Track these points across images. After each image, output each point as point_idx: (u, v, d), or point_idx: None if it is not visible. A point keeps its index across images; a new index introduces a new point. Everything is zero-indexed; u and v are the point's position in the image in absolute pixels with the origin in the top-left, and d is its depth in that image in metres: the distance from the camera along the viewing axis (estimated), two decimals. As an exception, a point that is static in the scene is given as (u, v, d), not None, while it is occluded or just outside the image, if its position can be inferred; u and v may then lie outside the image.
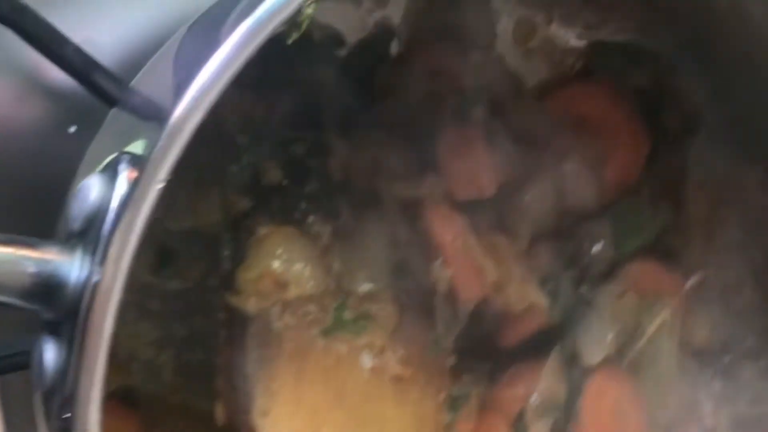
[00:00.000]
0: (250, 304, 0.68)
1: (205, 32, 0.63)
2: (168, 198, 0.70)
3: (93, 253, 0.49)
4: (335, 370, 0.71)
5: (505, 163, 0.75)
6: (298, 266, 0.68)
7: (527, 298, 0.75)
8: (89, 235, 0.50)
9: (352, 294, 0.72)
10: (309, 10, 0.48)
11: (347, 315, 0.71)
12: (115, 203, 0.49)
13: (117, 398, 0.72)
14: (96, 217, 0.50)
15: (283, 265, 0.68)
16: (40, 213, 0.64)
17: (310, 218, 0.70)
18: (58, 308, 0.49)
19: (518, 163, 0.76)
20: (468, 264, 0.72)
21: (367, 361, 0.72)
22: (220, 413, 0.69)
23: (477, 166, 0.73)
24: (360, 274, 0.72)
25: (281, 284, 0.68)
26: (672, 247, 0.82)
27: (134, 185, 0.48)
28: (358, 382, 0.72)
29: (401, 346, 0.74)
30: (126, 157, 0.51)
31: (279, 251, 0.68)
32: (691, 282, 0.81)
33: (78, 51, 0.66)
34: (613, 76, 0.79)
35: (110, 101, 0.66)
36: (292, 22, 0.49)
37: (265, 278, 0.67)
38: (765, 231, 0.80)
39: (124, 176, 0.50)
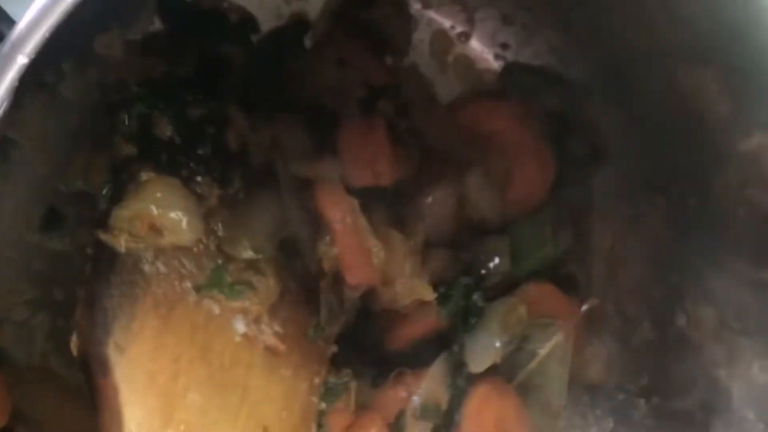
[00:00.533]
0: (120, 242, 0.66)
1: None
2: (62, 159, 0.71)
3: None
4: (204, 327, 0.69)
5: (406, 160, 0.74)
6: (175, 215, 0.67)
7: (415, 294, 0.74)
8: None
9: (233, 260, 0.70)
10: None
11: (226, 278, 0.70)
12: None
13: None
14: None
15: (161, 210, 0.66)
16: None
17: (198, 178, 0.69)
18: None
19: (421, 165, 0.76)
20: (356, 244, 0.71)
21: (240, 326, 0.70)
22: (74, 345, 0.67)
23: (376, 153, 0.72)
24: (244, 242, 0.70)
25: (156, 229, 0.66)
26: (572, 273, 0.82)
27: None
28: (228, 344, 0.70)
29: (280, 321, 0.72)
30: None
31: (158, 195, 0.66)
32: (586, 307, 0.80)
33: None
34: (526, 97, 0.80)
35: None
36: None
37: (140, 219, 0.66)
38: (666, 268, 0.80)
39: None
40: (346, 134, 0.73)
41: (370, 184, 0.73)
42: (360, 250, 0.71)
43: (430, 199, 0.77)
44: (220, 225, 0.70)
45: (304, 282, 0.73)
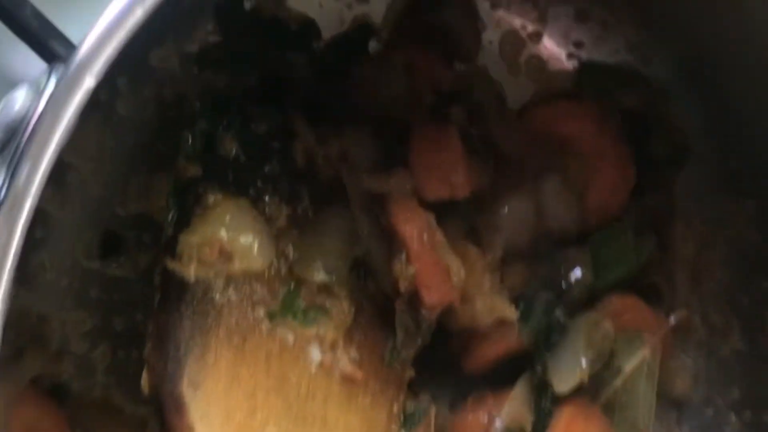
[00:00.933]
0: (190, 270, 0.62)
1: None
2: (120, 180, 0.67)
3: (11, 161, 0.44)
4: (279, 357, 0.66)
5: (481, 170, 0.70)
6: (246, 239, 0.63)
7: (495, 312, 0.70)
8: (8, 147, 0.45)
9: (305, 283, 0.67)
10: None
11: (299, 303, 0.66)
12: (41, 106, 0.44)
13: (43, 390, 0.66)
14: (20, 126, 0.45)
15: (231, 234, 0.63)
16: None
17: (267, 198, 0.65)
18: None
19: (495, 174, 0.72)
20: (434, 261, 0.67)
21: (316, 354, 0.67)
22: (145, 382, 0.63)
23: (451, 164, 0.68)
24: (316, 263, 0.67)
25: (226, 255, 0.63)
26: (656, 283, 0.77)
27: (60, 82, 0.43)
28: (304, 375, 0.66)
29: (355, 346, 0.68)
30: (56, 65, 0.47)
31: (227, 218, 0.63)
32: (674, 320, 0.76)
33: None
34: (602, 98, 0.75)
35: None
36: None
37: (209, 245, 0.62)
38: (755, 274, 0.75)
39: (53, 81, 0.45)
40: (417, 144, 0.69)
41: (446, 197, 0.69)
42: (438, 268, 0.67)
43: (506, 210, 0.72)
44: (290, 247, 0.67)
45: (378, 303, 0.70)
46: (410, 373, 0.71)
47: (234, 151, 0.65)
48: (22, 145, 0.45)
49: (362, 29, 0.73)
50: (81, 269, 0.67)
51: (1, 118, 0.46)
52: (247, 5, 0.67)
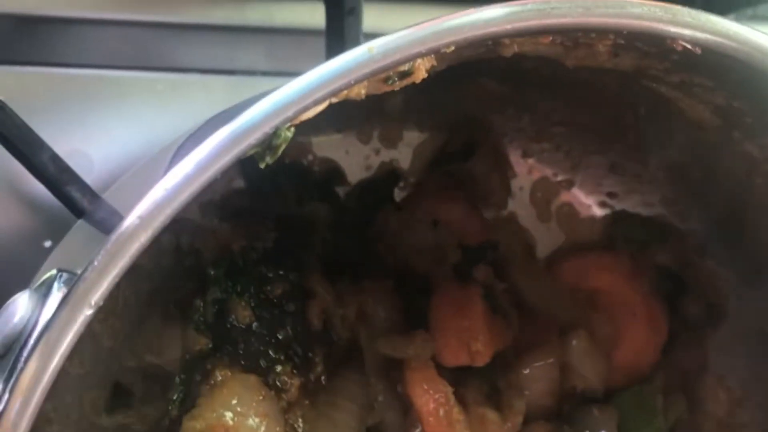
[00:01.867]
0: None
1: (186, 150, 0.58)
2: (132, 330, 0.65)
3: (6, 381, 0.42)
4: None
5: (503, 330, 0.68)
6: (253, 421, 0.60)
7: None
8: (6, 360, 0.43)
9: None
10: (288, 133, 0.42)
11: None
12: (39, 326, 0.42)
13: None
14: (17, 339, 0.43)
15: (237, 419, 0.60)
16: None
17: (278, 368, 0.63)
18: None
19: (519, 332, 0.69)
20: None
21: None
22: None
23: (472, 331, 0.66)
24: None
25: None
26: (683, 444, 0.74)
27: (59, 308, 0.41)
28: None
29: None
30: (63, 275, 0.45)
31: (234, 401, 0.60)
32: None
33: (55, 159, 0.63)
34: (635, 251, 0.73)
35: (78, 211, 0.62)
36: (267, 145, 0.43)
37: (213, 430, 0.59)
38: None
39: (56, 297, 0.44)
40: (438, 307, 0.67)
41: (465, 364, 0.66)
42: None
43: (528, 371, 0.70)
44: (299, 421, 0.64)
45: None
46: None
47: (248, 320, 0.62)
48: (21, 361, 0.43)
49: (389, 175, 0.71)
50: (88, 422, 0.65)
51: (3, 326, 0.44)
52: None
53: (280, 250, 0.64)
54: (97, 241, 0.54)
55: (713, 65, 0.48)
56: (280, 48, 0.77)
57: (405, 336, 0.65)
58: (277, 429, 0.61)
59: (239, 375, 0.61)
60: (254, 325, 0.63)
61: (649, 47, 0.48)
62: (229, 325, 0.63)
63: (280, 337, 0.63)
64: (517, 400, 0.69)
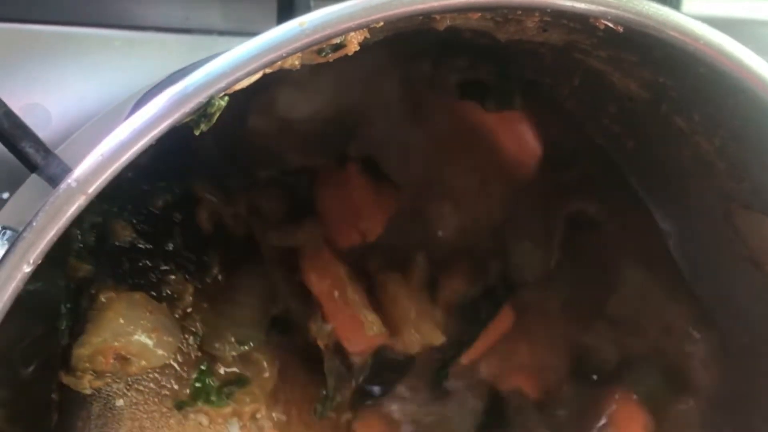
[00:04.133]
0: (85, 384, 0.59)
1: (130, 111, 0.59)
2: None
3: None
4: None
5: (391, 196, 0.69)
6: (142, 338, 0.60)
7: (423, 339, 0.69)
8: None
9: (218, 358, 0.65)
10: (221, 102, 0.44)
11: (211, 384, 0.65)
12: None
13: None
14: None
15: (124, 339, 0.59)
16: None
17: (171, 278, 0.63)
18: None
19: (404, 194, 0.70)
20: (349, 316, 0.66)
21: (235, 430, 0.65)
22: None
23: (356, 209, 0.67)
24: (228, 337, 0.65)
25: (123, 359, 0.60)
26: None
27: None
28: None
29: (281, 407, 0.67)
30: (6, 232, 0.47)
31: (121, 322, 0.59)
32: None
33: (8, 114, 0.64)
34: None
35: (31, 166, 0.63)
36: (202, 113, 0.45)
37: (102, 354, 0.59)
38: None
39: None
40: (322, 192, 0.68)
41: (358, 243, 0.68)
42: (355, 324, 0.66)
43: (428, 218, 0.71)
44: (198, 324, 0.64)
45: (304, 354, 0.68)
46: (347, 416, 0.70)
47: (130, 237, 0.62)
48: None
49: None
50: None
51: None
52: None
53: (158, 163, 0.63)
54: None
55: (637, 43, 0.50)
56: (236, 9, 0.78)
57: (294, 225, 0.66)
58: (170, 339, 0.61)
59: (124, 295, 0.61)
60: (139, 241, 0.63)
61: (574, 24, 0.50)
62: (110, 247, 0.62)
63: (170, 248, 0.63)
64: (417, 255, 0.70)
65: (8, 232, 0.47)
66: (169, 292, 0.63)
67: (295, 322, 0.68)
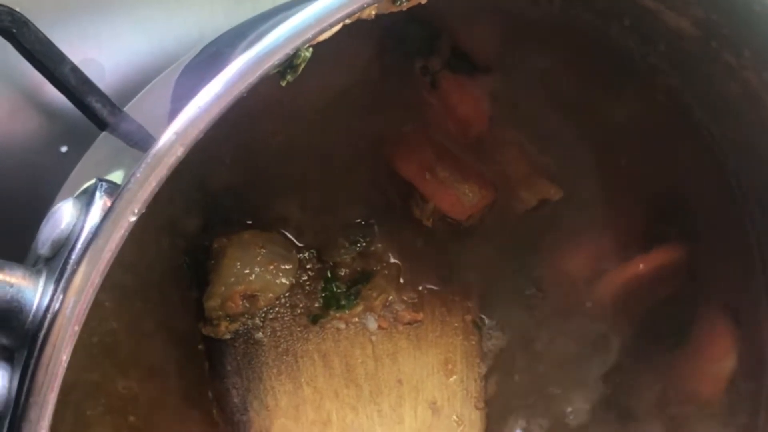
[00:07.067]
0: (222, 330, 0.64)
1: (204, 67, 0.61)
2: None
3: (57, 281, 0.47)
4: (336, 352, 0.66)
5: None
6: (261, 273, 0.63)
7: (539, 195, 0.70)
8: (56, 262, 0.48)
9: (339, 264, 0.68)
10: (306, 53, 0.46)
11: (339, 291, 0.67)
12: (85, 232, 0.47)
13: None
14: (65, 244, 0.47)
15: (246, 278, 0.63)
16: (23, 232, 0.62)
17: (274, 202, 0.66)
18: (15, 334, 0.46)
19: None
20: (445, 193, 0.68)
21: (371, 323, 0.68)
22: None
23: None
24: (341, 240, 0.67)
25: (250, 297, 0.64)
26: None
27: (106, 216, 0.45)
28: (366, 350, 0.67)
29: (409, 288, 0.69)
30: (103, 185, 0.49)
31: (237, 265, 0.63)
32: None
33: (75, 70, 0.65)
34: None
35: (101, 124, 0.65)
36: (288, 64, 0.47)
37: (230, 300, 0.63)
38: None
39: (99, 205, 0.48)
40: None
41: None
42: (453, 197, 0.68)
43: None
44: (310, 236, 0.67)
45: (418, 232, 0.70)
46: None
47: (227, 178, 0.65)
48: (71, 264, 0.46)
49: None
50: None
51: (48, 233, 0.48)
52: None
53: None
54: (124, 153, 0.58)
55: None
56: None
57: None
58: (287, 266, 0.64)
59: (234, 238, 0.63)
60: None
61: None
62: (212, 194, 0.64)
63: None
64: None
65: (105, 184, 0.49)
66: (275, 219, 0.65)
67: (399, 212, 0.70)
